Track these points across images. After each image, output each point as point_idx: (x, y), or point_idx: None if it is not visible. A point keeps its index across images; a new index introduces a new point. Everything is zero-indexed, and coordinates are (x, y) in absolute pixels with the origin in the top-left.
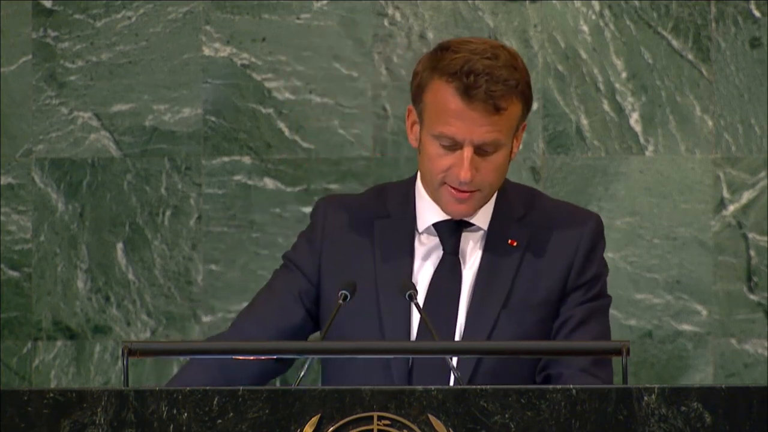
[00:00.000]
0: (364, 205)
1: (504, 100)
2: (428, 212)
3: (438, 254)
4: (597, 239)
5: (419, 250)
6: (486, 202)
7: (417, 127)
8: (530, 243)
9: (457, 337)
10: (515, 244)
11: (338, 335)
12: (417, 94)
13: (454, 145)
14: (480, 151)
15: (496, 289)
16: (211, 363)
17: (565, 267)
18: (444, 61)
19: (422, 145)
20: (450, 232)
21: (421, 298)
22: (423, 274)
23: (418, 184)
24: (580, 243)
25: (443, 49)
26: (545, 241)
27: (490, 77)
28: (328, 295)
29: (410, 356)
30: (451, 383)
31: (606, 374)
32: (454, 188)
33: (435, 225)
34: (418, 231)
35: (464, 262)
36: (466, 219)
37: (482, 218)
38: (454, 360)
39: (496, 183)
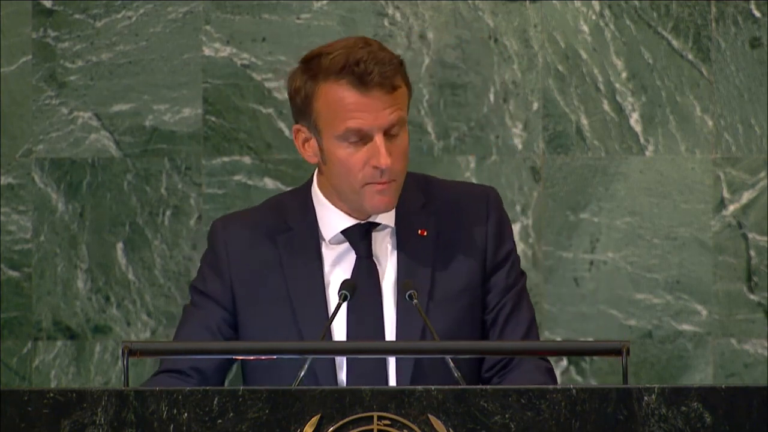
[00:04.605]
0: (262, 221)
1: (396, 78)
2: (333, 220)
3: (349, 259)
4: (501, 212)
5: (328, 258)
6: (399, 192)
7: (313, 142)
8: (439, 230)
9: (389, 337)
10: (425, 233)
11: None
12: (304, 108)
13: (363, 138)
14: (388, 135)
15: (419, 284)
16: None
17: (481, 248)
18: (324, 65)
19: (327, 153)
20: (360, 236)
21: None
22: (336, 281)
23: (315, 192)
24: (488, 221)
25: (314, 57)
26: (453, 226)
27: (376, 60)
28: (246, 321)
29: (413, 356)
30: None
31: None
32: (375, 183)
33: (343, 231)
34: (324, 240)
35: (379, 263)
36: (372, 220)
37: (387, 216)
38: (392, 361)
39: (406, 169)
